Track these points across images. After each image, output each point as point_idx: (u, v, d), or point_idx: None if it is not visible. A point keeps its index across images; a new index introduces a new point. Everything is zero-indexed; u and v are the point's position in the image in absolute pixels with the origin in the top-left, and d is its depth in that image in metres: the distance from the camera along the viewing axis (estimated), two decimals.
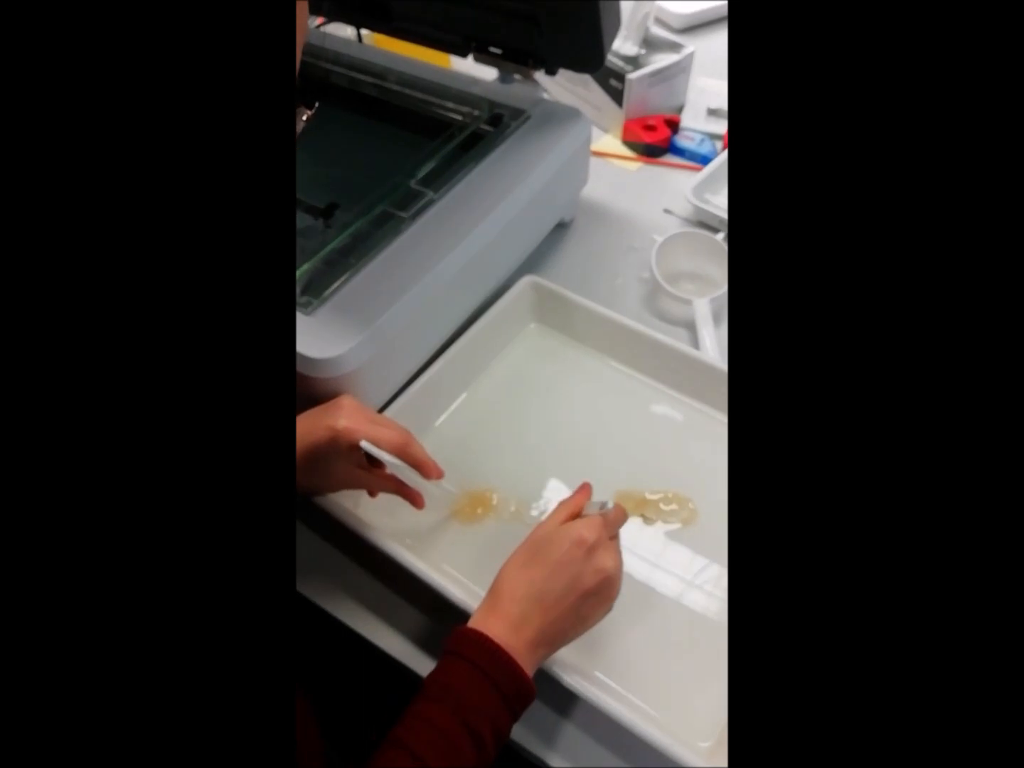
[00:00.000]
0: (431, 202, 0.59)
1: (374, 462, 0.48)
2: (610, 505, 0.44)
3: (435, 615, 0.50)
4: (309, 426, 0.46)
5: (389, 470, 0.48)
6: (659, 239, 0.69)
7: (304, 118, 0.47)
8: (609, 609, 0.43)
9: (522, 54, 0.67)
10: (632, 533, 0.53)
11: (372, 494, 0.51)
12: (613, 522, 0.44)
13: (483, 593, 0.43)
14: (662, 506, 0.54)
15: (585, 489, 0.47)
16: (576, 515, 0.44)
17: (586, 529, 0.42)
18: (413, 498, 0.49)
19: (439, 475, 0.49)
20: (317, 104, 0.42)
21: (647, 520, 0.53)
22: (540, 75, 0.69)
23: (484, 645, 0.39)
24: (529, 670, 0.39)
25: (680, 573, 0.51)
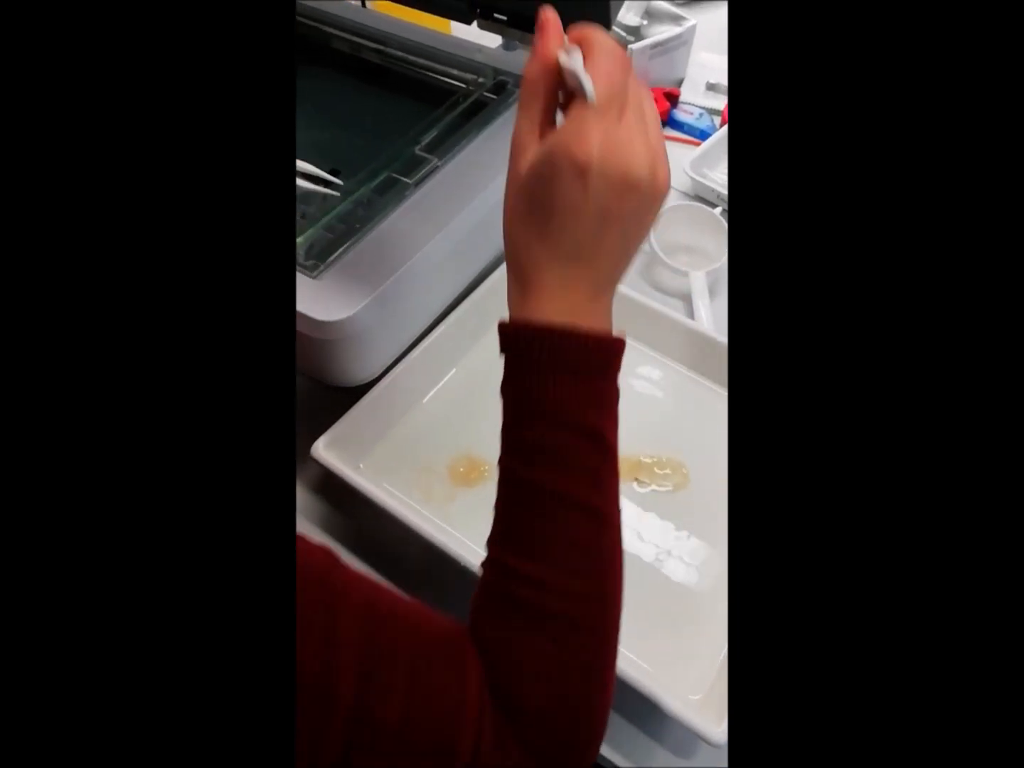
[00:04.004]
0: (436, 168, 0.59)
1: None
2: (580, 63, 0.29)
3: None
4: None
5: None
6: None
7: None
8: (664, 196, 0.32)
9: (527, 20, 0.67)
10: (624, 497, 0.54)
11: None
12: (609, 91, 0.29)
13: None
14: (656, 470, 0.55)
15: (547, 26, 0.32)
16: (553, 90, 0.32)
17: (576, 143, 0.29)
18: None
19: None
20: None
21: (641, 483, 0.55)
22: None
23: (538, 338, 0.32)
24: (601, 322, 0.33)
25: (673, 536, 0.53)
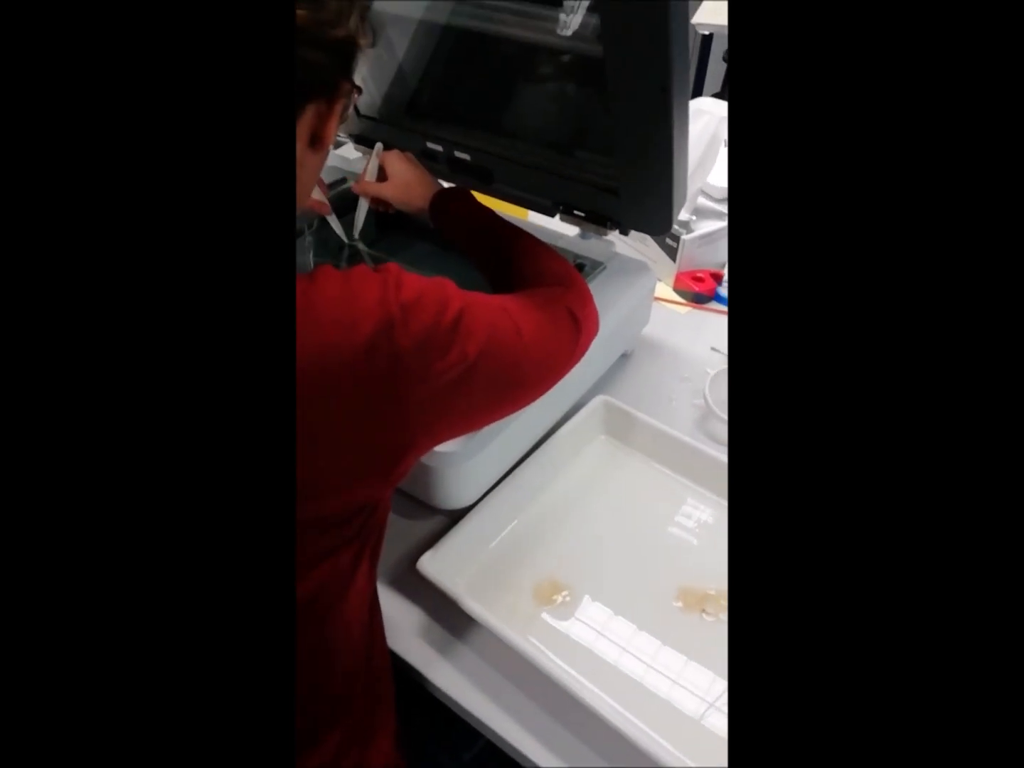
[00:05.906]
0: None
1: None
2: None
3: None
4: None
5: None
6: (711, 372, 0.80)
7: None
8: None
9: (602, 217, 0.81)
10: (691, 630, 0.60)
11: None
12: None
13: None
14: (721, 601, 0.61)
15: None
16: None
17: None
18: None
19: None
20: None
21: (707, 614, 0.60)
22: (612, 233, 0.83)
23: (443, 197, 0.72)
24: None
25: None
